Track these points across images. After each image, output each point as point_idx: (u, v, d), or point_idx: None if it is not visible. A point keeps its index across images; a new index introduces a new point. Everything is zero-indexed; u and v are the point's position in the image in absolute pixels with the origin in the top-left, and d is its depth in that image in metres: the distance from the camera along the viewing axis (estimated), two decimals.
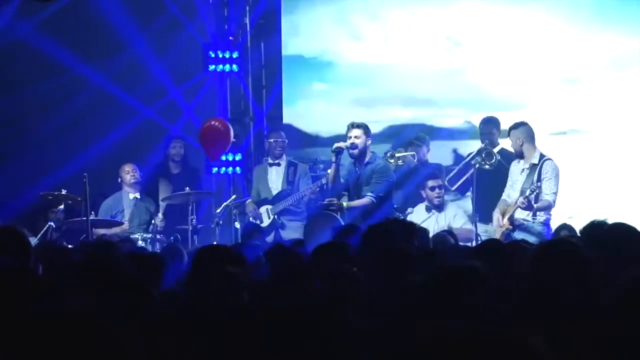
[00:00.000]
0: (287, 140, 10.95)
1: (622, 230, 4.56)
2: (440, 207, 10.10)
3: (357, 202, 9.18)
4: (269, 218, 10.48)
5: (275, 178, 10.74)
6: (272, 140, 10.94)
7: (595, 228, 4.61)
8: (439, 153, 11.04)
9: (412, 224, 5.96)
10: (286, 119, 12.21)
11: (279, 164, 10.77)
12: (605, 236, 4.44)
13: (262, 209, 10.58)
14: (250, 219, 10.68)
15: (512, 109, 11.02)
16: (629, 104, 11.13)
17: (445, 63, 11.78)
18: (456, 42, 11.83)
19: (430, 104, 11.93)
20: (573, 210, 10.29)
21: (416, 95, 11.98)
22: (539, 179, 9.18)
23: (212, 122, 10.91)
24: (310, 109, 12.27)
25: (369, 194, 9.11)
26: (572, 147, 11.12)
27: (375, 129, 10.09)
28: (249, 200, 10.87)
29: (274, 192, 10.65)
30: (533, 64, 11.45)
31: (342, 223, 8.66)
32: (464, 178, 10.08)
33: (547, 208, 9.22)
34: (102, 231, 10.31)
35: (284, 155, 10.83)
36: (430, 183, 10.08)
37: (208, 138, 10.81)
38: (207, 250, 5.02)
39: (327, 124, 11.98)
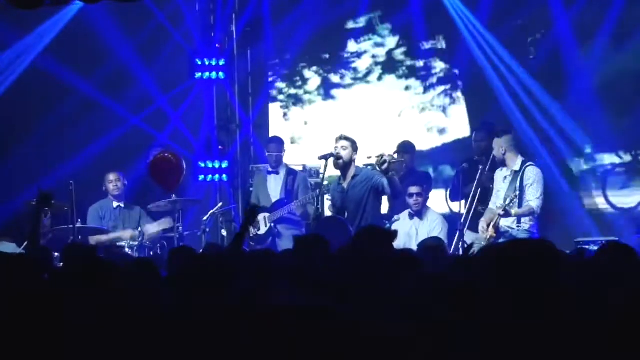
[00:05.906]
0: (283, 153, 10.84)
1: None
2: (419, 214, 10.12)
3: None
4: (266, 226, 10.49)
5: (274, 186, 10.73)
6: (268, 153, 10.87)
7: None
8: None
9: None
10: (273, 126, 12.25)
11: (277, 172, 10.75)
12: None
13: (260, 217, 10.54)
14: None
15: None
16: None
17: None
18: None
19: None
20: None
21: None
22: (521, 186, 9.22)
23: (164, 154, 10.68)
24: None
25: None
26: None
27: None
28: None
29: (274, 200, 10.64)
30: None
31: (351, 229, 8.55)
32: (472, 189, 9.92)
33: (530, 214, 9.23)
34: (93, 239, 10.26)
35: (283, 163, 10.79)
36: (411, 190, 10.11)
37: (159, 170, 10.58)
38: None
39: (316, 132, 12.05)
